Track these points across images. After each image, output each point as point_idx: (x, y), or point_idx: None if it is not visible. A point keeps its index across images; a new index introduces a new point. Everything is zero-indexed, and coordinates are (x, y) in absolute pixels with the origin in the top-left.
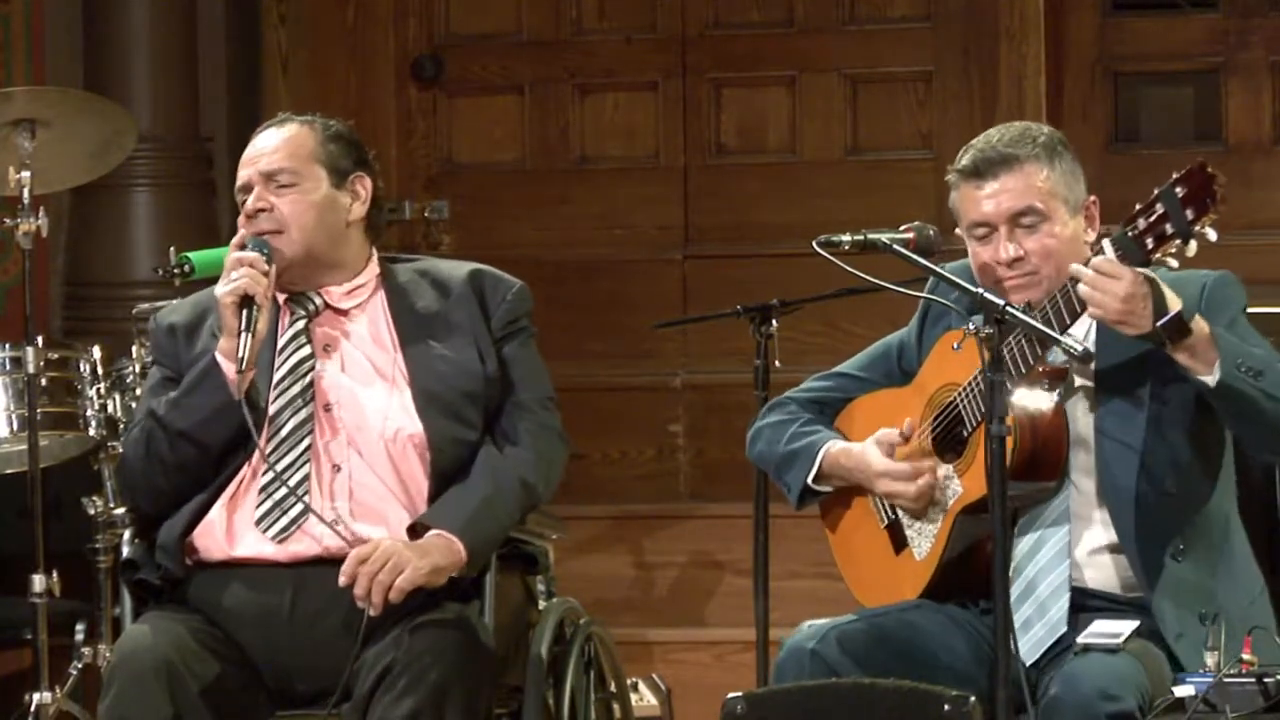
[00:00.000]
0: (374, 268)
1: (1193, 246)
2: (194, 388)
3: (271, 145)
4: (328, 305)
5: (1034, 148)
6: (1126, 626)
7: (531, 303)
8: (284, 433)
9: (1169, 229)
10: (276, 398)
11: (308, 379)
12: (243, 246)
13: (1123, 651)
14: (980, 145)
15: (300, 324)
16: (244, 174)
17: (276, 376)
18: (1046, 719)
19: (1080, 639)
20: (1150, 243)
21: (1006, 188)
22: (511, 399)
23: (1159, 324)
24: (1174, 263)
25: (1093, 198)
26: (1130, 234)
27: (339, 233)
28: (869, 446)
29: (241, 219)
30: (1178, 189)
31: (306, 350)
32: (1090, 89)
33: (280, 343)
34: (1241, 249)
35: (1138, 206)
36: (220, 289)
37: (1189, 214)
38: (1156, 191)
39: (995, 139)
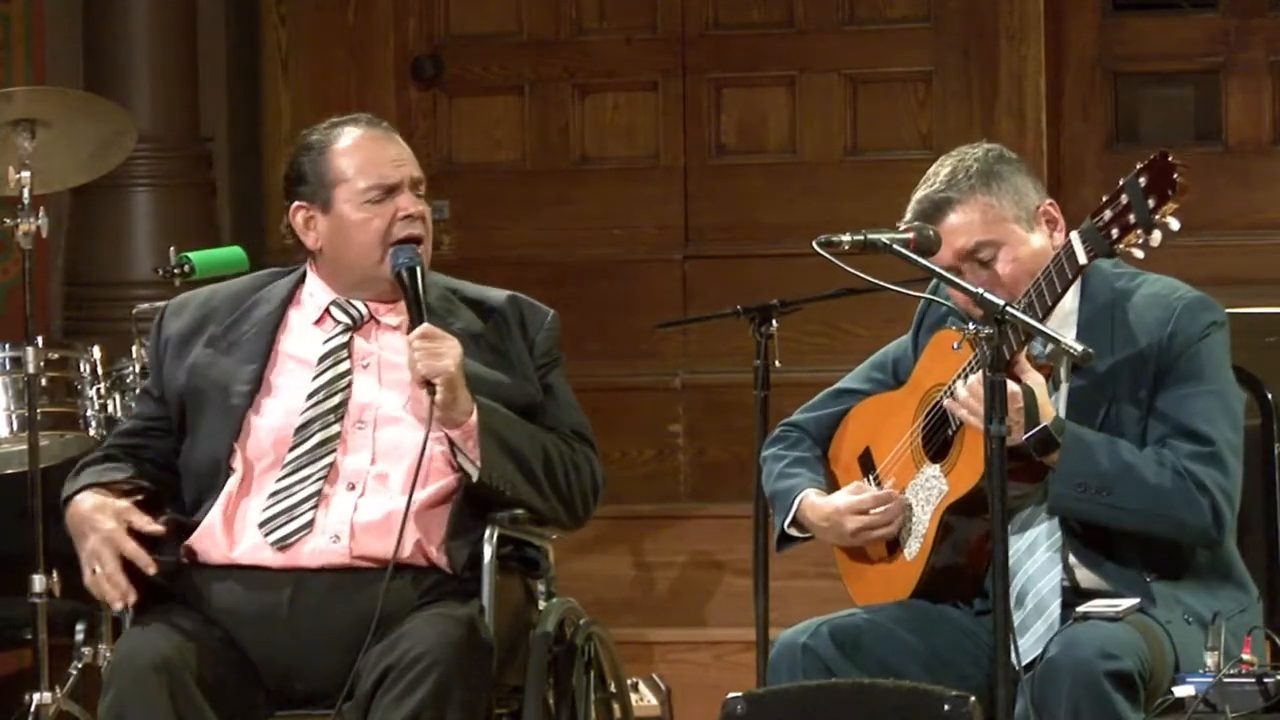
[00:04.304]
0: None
1: (1156, 236)
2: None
3: (408, 153)
4: (371, 316)
5: (968, 181)
6: (1126, 602)
7: (560, 332)
8: (309, 445)
9: (1132, 219)
10: (308, 409)
11: (339, 396)
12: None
13: (1122, 622)
14: (920, 195)
15: (343, 337)
16: (391, 174)
17: (312, 387)
18: (1043, 682)
19: (1079, 609)
20: (1115, 233)
21: (950, 230)
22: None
23: (1026, 437)
24: (1139, 253)
25: (1049, 201)
26: (1096, 226)
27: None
28: (837, 495)
29: (378, 220)
30: (1140, 179)
31: (345, 365)
32: (1090, 89)
33: (320, 352)
34: (1241, 249)
35: (1104, 198)
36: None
37: (1150, 203)
38: (1121, 182)
39: (930, 185)
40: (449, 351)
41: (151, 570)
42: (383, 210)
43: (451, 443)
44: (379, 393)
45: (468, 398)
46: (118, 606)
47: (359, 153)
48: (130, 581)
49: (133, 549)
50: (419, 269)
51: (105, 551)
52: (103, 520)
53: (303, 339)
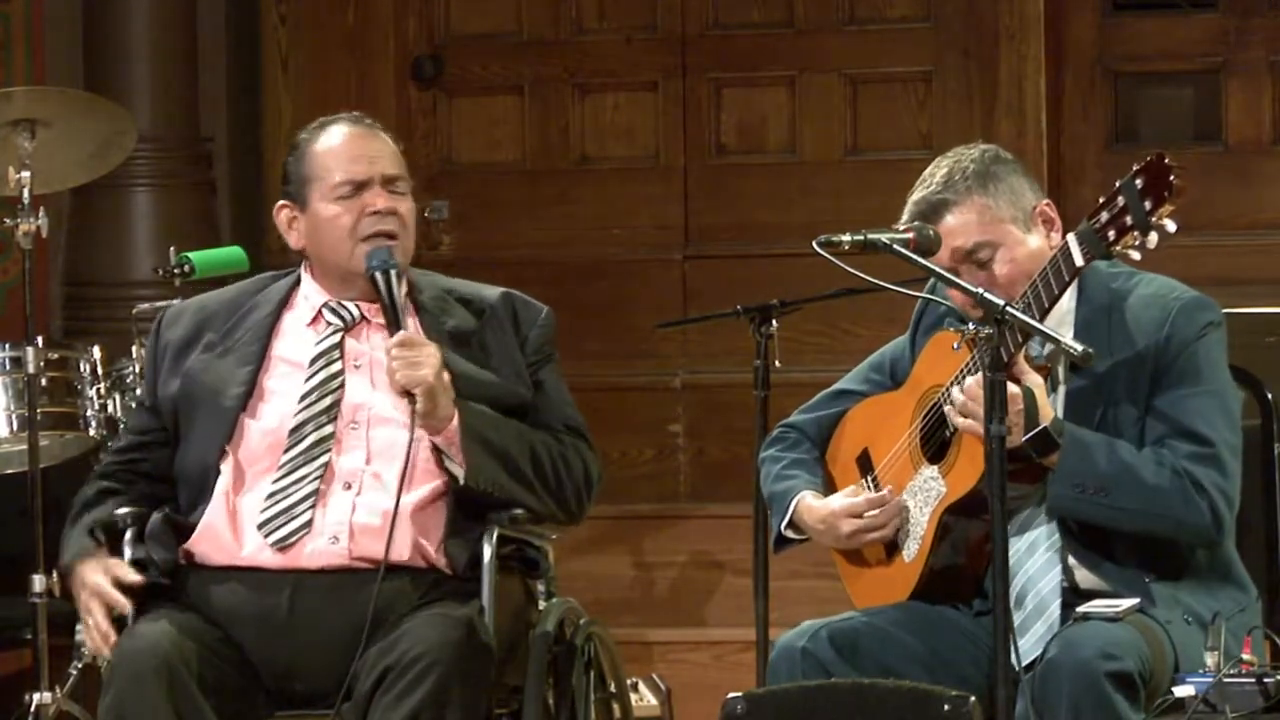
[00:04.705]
0: (404, 283)
1: (1153, 238)
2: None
3: (387, 150)
4: (363, 317)
5: (964, 182)
6: (1126, 603)
7: (556, 328)
8: (303, 445)
9: (1128, 221)
10: (301, 411)
11: (332, 397)
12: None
13: (1122, 622)
14: (916, 196)
15: (335, 338)
16: (360, 170)
17: (305, 389)
18: (1043, 683)
19: (1079, 610)
20: (1111, 235)
21: (948, 231)
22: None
23: (1025, 438)
24: (1136, 255)
25: (1045, 201)
26: (1093, 228)
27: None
28: (834, 497)
29: (346, 216)
30: (1137, 181)
31: (337, 366)
32: (1090, 89)
33: (312, 354)
34: (1241, 249)
35: (1101, 199)
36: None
37: (1147, 205)
38: (1118, 184)
39: (927, 186)
40: (427, 360)
41: (127, 610)
42: (352, 206)
43: (438, 448)
44: (371, 393)
45: (448, 404)
46: (105, 654)
47: (335, 150)
48: (129, 595)
49: (111, 596)
50: (392, 272)
51: (92, 603)
52: (90, 576)
53: (297, 341)
